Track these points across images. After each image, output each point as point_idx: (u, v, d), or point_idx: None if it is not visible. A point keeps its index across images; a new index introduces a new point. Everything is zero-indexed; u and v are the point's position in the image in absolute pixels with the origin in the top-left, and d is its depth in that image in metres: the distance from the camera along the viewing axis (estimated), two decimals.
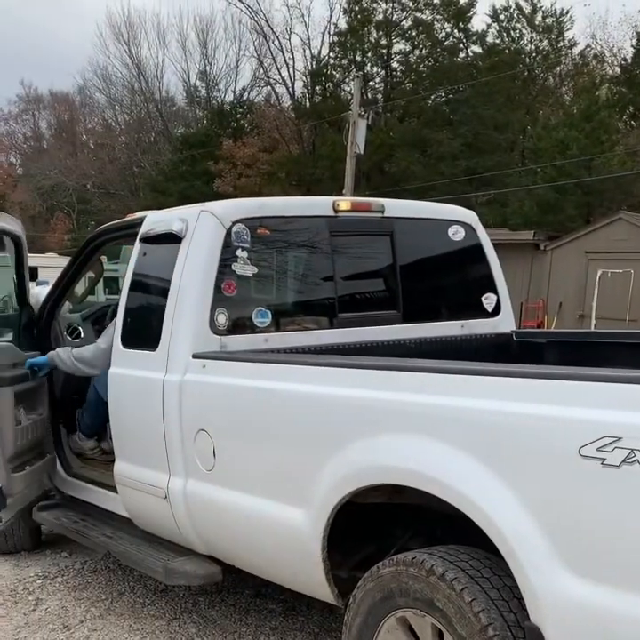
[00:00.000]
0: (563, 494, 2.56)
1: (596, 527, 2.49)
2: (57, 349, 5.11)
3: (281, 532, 3.60)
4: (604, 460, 2.42)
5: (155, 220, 4.61)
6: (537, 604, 2.62)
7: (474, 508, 2.80)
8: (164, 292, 4.29)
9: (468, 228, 5.07)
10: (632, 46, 36.01)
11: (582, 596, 2.51)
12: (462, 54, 39.12)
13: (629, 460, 2.37)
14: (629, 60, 36.31)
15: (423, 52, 38.97)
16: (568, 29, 38.82)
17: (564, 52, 39.45)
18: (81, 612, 4.84)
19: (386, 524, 3.65)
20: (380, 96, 40.13)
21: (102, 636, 4.52)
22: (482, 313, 5.12)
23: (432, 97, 37.96)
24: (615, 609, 2.45)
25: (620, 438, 2.39)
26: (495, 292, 5.17)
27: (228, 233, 4.16)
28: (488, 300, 5.15)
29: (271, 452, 3.66)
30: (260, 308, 4.26)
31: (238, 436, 3.83)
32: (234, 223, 4.18)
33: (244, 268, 4.19)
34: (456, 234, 5.00)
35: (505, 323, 5.20)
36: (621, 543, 2.43)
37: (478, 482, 2.78)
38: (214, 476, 3.93)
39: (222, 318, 4.11)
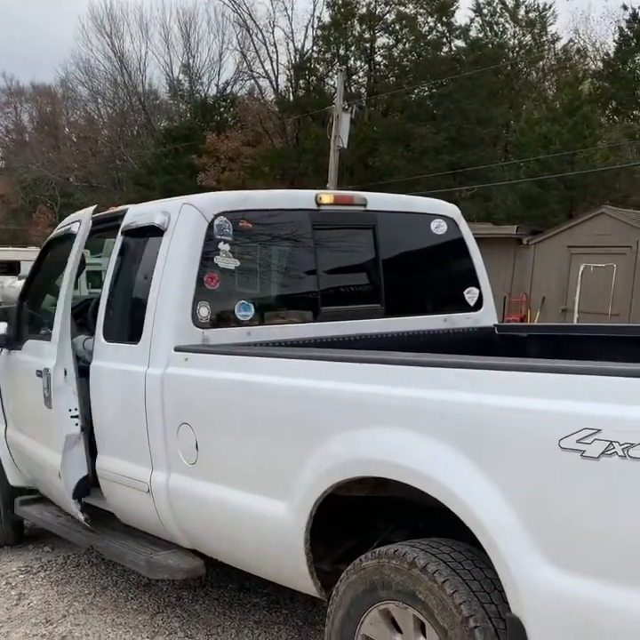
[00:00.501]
0: (543, 486, 2.57)
1: (576, 519, 2.50)
2: (77, 337, 5.18)
3: (264, 525, 3.60)
4: (584, 451, 2.43)
5: (137, 213, 4.59)
6: (517, 596, 2.63)
7: (455, 500, 2.81)
8: (145, 285, 4.27)
9: (451, 221, 5.08)
10: (614, 41, 36.19)
11: (562, 587, 2.52)
12: (445, 48, 39.17)
13: (608, 452, 2.38)
14: (612, 55, 36.44)
15: (406, 46, 38.99)
16: (551, 24, 39.02)
17: (546, 47, 39.60)
18: (64, 607, 4.82)
19: (369, 517, 3.66)
20: (363, 90, 40.11)
21: (85, 630, 4.51)
22: (464, 307, 5.13)
23: (415, 91, 38.00)
24: (595, 600, 2.46)
25: (599, 430, 2.41)
26: (477, 285, 5.18)
27: (211, 226, 4.15)
28: (470, 294, 5.16)
29: (254, 446, 3.65)
30: (243, 301, 4.26)
31: (221, 429, 3.82)
32: (216, 216, 4.17)
33: (226, 261, 4.18)
34: (438, 228, 5.01)
35: (487, 317, 5.21)
36: (601, 535, 2.45)
37: (460, 474, 2.79)
38: (197, 470, 3.92)
39: (205, 311, 4.10)
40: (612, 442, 2.38)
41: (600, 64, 37.83)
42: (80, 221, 4.83)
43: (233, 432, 3.75)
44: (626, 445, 2.35)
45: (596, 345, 4.67)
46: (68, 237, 4.92)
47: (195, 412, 3.94)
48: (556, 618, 2.56)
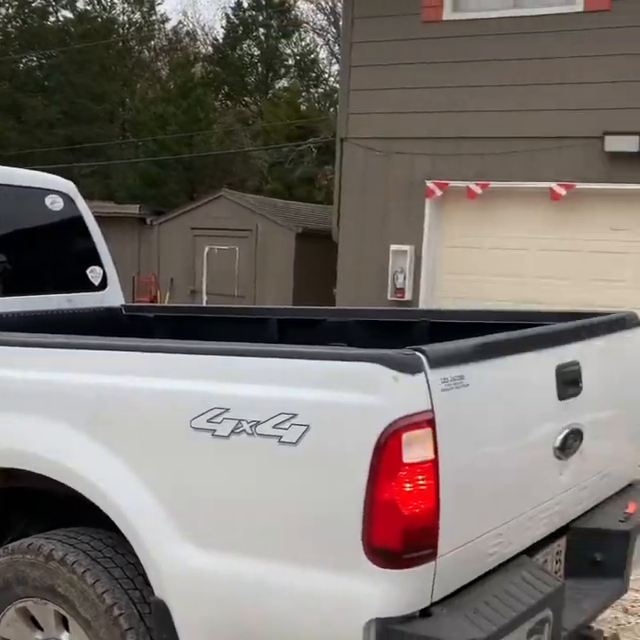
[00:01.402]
0: (178, 467, 2.58)
1: (210, 497, 2.53)
2: None
3: None
4: (215, 431, 2.47)
5: None
6: (160, 579, 2.60)
7: (90, 487, 2.72)
8: None
9: (67, 198, 4.88)
10: (222, 27, 37.53)
11: (202, 565, 2.54)
12: (53, 18, 37.63)
13: (237, 431, 2.44)
14: (221, 41, 37.76)
15: (10, 11, 36.83)
16: (159, 4, 39.01)
17: (157, 27, 39.75)
18: None
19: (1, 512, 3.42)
20: None
21: None
22: (88, 286, 4.99)
23: (23, 60, 36.14)
24: (234, 575, 2.50)
25: (227, 409, 2.46)
26: (100, 265, 5.06)
27: None
28: (94, 274, 5.03)
29: None
30: None
31: None
32: None
33: None
34: (54, 204, 4.81)
35: (113, 297, 5.12)
36: (234, 511, 2.50)
37: (93, 460, 2.71)
38: None
39: None
40: (240, 420, 2.43)
41: (210, 48, 39.00)
42: None
43: None
44: (253, 423, 2.41)
45: (221, 326, 4.80)
46: None
47: None
48: (197, 596, 2.57)
